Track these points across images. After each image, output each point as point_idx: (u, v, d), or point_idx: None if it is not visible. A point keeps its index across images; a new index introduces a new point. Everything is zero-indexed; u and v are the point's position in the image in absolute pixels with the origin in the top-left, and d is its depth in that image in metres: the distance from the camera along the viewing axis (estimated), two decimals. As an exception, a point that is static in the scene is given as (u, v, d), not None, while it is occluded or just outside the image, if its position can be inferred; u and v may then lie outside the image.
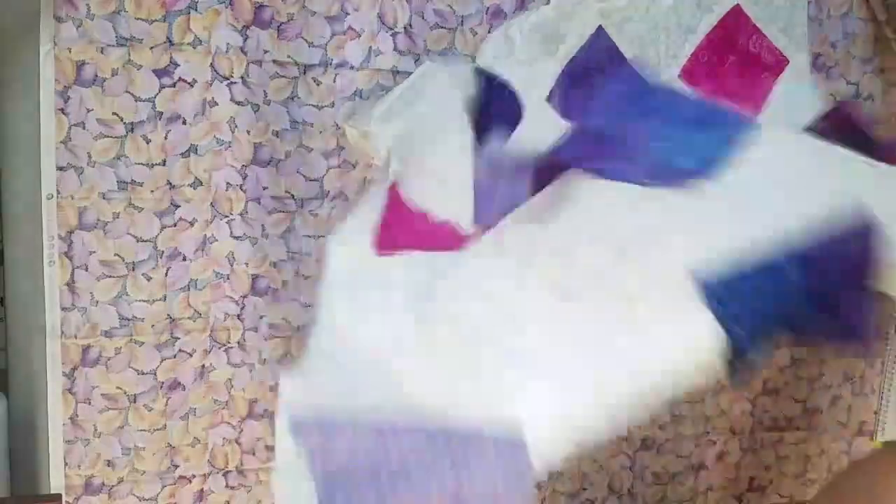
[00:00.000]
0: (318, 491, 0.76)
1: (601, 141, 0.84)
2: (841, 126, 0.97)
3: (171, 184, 0.90)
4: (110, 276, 0.90)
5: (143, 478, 0.95)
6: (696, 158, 0.81)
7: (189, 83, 0.89)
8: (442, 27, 0.98)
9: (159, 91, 0.88)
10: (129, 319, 0.91)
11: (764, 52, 1.03)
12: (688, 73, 0.99)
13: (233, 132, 0.92)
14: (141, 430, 0.94)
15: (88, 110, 0.86)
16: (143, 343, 0.92)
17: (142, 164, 0.89)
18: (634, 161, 0.82)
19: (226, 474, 0.98)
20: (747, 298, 0.81)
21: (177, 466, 0.96)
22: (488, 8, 1.00)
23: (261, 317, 0.97)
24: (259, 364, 0.98)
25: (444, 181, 0.87)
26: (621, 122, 0.84)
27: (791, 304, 0.81)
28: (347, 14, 0.94)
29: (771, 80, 1.03)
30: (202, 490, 0.97)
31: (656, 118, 0.84)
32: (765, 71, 1.04)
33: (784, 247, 0.79)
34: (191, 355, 0.94)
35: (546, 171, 0.81)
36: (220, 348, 0.96)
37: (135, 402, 0.93)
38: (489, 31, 0.99)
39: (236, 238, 0.94)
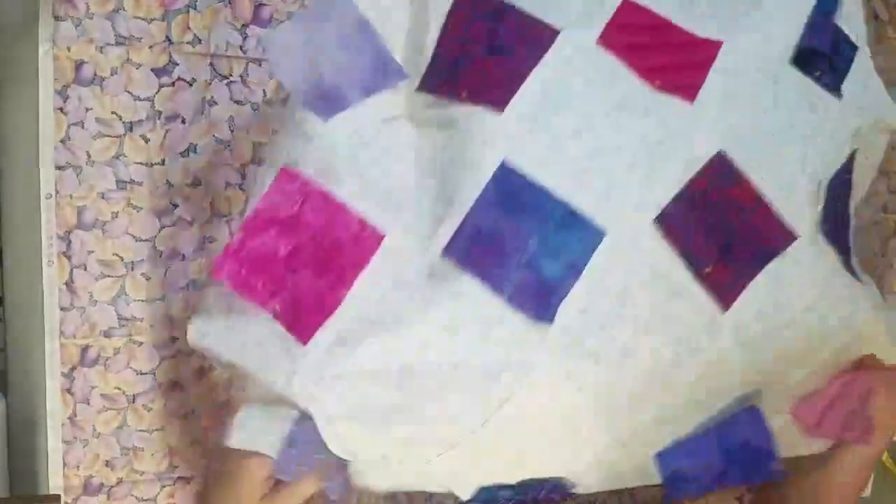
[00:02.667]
0: None
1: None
2: None
3: (170, 183, 0.90)
4: (109, 276, 0.90)
5: (142, 478, 0.95)
6: (561, 263, 0.73)
7: (188, 82, 0.89)
8: None
9: (158, 90, 0.88)
10: (127, 319, 0.91)
11: None
12: None
13: (232, 132, 0.92)
14: (140, 431, 0.94)
15: (87, 109, 0.86)
16: (142, 343, 0.92)
17: (141, 163, 0.89)
18: (506, 261, 0.73)
19: (225, 475, 0.98)
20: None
21: (176, 467, 0.96)
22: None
23: (260, 317, 0.97)
24: (258, 364, 0.98)
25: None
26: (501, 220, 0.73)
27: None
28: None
29: None
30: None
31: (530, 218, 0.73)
32: None
33: None
34: (190, 355, 0.94)
35: None
36: (219, 348, 0.95)
37: (134, 402, 0.93)
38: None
39: (236, 238, 0.94)
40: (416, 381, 0.72)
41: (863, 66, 0.86)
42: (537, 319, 0.72)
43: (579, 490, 0.82)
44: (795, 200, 0.78)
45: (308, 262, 0.73)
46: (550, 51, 0.73)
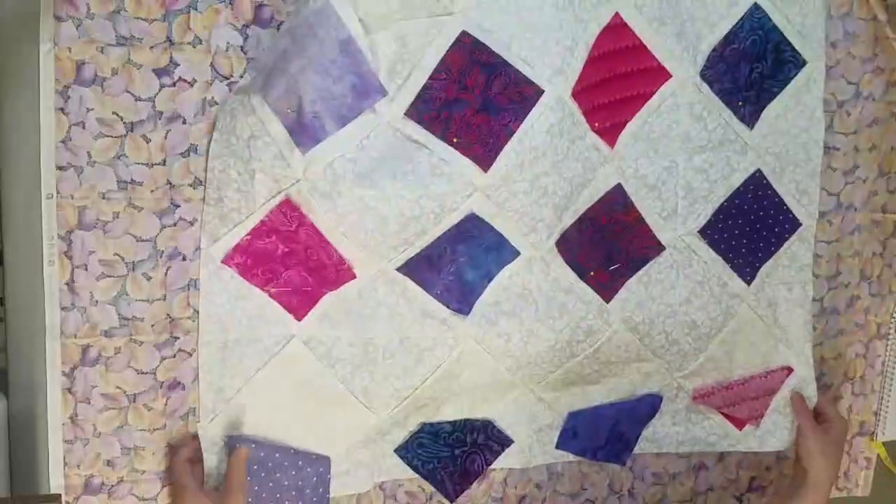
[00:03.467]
0: None
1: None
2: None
3: (170, 183, 0.90)
4: (110, 276, 0.90)
5: (143, 477, 0.95)
6: (480, 273, 0.98)
7: (189, 83, 0.89)
8: None
9: (159, 90, 0.88)
10: (128, 319, 0.91)
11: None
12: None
13: (233, 132, 0.92)
14: (141, 430, 0.94)
15: (88, 110, 0.86)
16: (142, 343, 0.92)
17: (142, 163, 0.89)
18: (440, 272, 0.97)
19: (225, 474, 0.98)
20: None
21: (176, 466, 0.96)
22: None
23: (260, 316, 0.97)
24: (259, 364, 0.98)
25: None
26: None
27: None
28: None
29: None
30: (202, 490, 0.97)
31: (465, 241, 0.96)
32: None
33: None
34: (190, 355, 0.94)
35: None
36: (219, 348, 0.96)
37: (134, 401, 0.93)
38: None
39: (236, 238, 0.94)
40: (377, 349, 0.97)
41: (805, 80, 1.06)
42: (457, 311, 0.98)
43: (515, 440, 1.07)
44: (674, 220, 1.03)
45: (299, 263, 0.94)
46: (533, 111, 0.91)
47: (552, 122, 0.92)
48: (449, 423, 1.03)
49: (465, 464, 1.05)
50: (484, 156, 0.92)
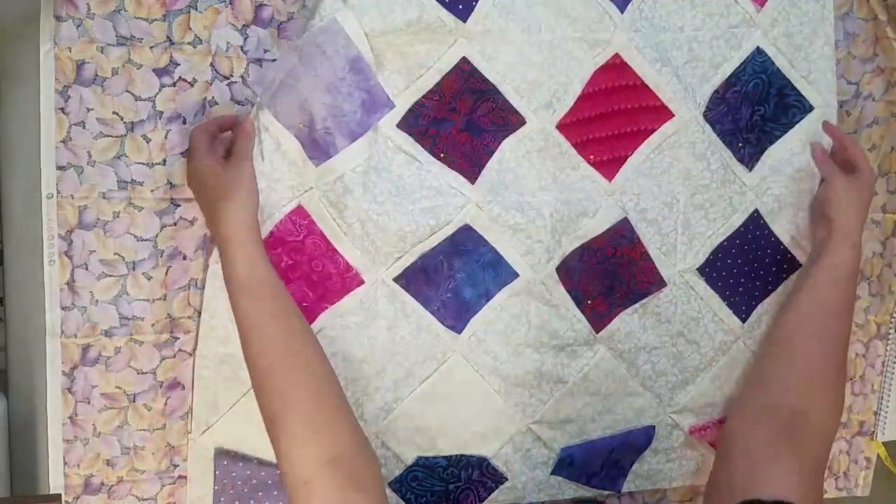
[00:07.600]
0: None
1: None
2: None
3: (171, 183, 0.90)
4: (110, 276, 0.90)
5: (143, 477, 0.95)
6: (478, 292, 0.99)
7: (189, 83, 0.89)
8: None
9: (159, 90, 0.88)
10: (128, 319, 0.91)
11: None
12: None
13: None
14: (140, 430, 0.94)
15: (88, 109, 0.86)
16: (142, 343, 0.92)
17: (142, 163, 0.89)
18: (439, 287, 0.98)
19: (225, 474, 0.98)
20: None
21: (176, 466, 0.96)
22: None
23: (260, 316, 0.97)
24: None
25: None
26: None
27: None
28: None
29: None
30: (202, 490, 0.97)
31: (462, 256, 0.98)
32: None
33: None
34: (190, 355, 0.94)
35: None
36: (219, 348, 0.96)
37: (134, 401, 0.93)
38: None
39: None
40: (370, 365, 0.98)
41: (811, 125, 1.07)
42: (451, 329, 0.99)
43: (509, 477, 1.06)
44: (673, 256, 1.05)
45: (301, 277, 0.94)
46: (513, 135, 0.96)
47: (529, 150, 0.97)
48: (444, 457, 1.03)
49: (459, 499, 1.04)
50: (469, 170, 0.96)
